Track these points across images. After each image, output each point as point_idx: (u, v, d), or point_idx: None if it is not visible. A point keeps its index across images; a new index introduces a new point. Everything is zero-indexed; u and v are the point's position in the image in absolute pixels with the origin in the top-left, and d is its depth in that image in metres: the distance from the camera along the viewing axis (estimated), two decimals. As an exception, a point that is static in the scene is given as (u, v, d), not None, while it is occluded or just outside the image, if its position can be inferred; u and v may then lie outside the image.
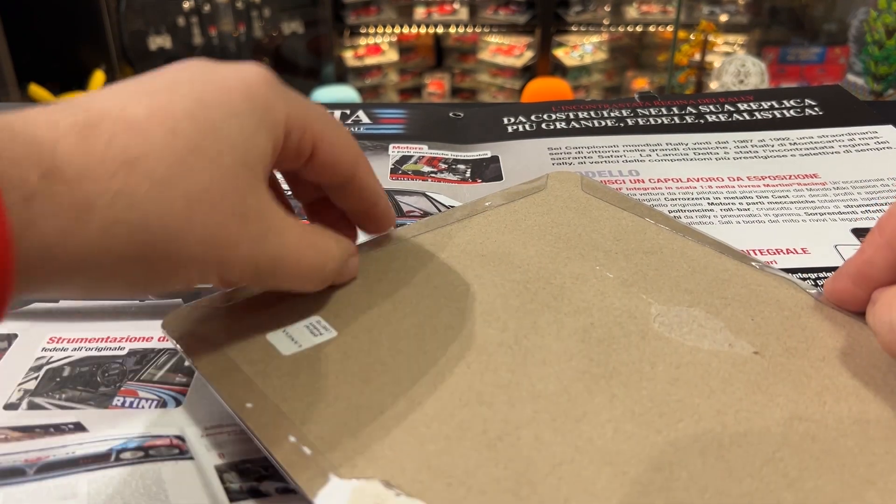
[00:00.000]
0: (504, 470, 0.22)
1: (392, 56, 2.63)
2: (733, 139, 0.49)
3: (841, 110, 0.52)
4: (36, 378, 0.30)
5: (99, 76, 2.05)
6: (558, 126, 0.52)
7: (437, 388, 0.25)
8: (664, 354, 0.26)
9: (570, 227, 0.34)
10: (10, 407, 0.29)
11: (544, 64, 2.52)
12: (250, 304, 0.29)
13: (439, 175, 0.46)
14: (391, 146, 0.50)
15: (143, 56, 2.24)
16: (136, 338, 0.33)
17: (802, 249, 0.37)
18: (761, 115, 0.52)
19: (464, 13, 2.57)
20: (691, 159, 0.47)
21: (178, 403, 0.29)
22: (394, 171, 0.47)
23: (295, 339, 0.27)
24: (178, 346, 0.28)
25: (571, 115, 0.53)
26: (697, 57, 1.89)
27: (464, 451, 0.22)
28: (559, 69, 2.54)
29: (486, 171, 0.47)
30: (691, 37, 1.89)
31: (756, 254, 0.37)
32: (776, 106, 0.54)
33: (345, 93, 2.39)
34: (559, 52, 2.53)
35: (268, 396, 0.25)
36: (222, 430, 0.27)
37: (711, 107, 0.54)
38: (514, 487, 0.21)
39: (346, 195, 0.30)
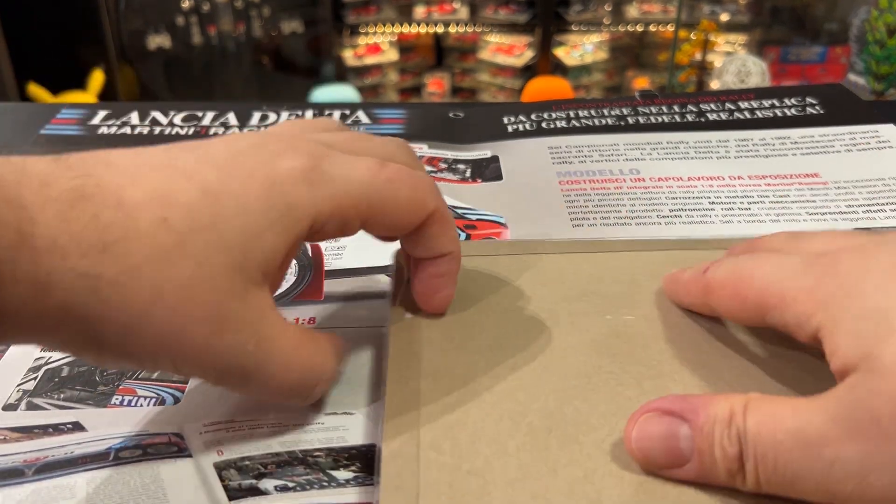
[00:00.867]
0: None
1: (392, 55, 2.63)
2: (734, 138, 0.49)
3: (842, 109, 0.52)
4: (35, 378, 0.30)
5: (98, 75, 2.05)
6: (558, 125, 0.52)
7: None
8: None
9: None
10: (8, 408, 0.29)
11: (545, 63, 2.52)
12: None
13: (439, 175, 0.46)
14: (391, 145, 0.50)
15: (142, 55, 2.24)
16: (135, 337, 0.33)
17: (804, 249, 0.37)
18: (762, 114, 0.52)
19: (464, 12, 2.56)
20: (692, 158, 0.47)
21: (177, 401, 0.29)
22: (394, 170, 0.47)
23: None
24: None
25: (571, 114, 0.53)
26: (698, 56, 1.89)
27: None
28: (560, 68, 2.54)
29: (486, 170, 0.47)
30: (692, 36, 1.89)
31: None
32: (777, 104, 0.53)
33: (344, 92, 2.39)
34: (560, 52, 2.53)
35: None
36: (221, 426, 0.27)
37: (712, 105, 0.54)
38: None
39: (412, 244, 0.28)
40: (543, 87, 2.23)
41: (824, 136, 0.49)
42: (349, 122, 0.53)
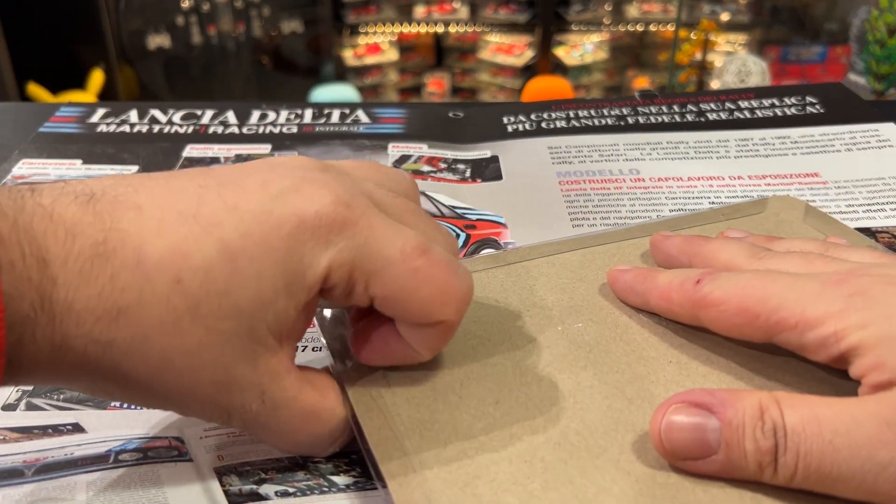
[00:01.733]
0: None
1: (392, 55, 2.63)
2: (734, 137, 0.49)
3: (842, 108, 0.52)
4: (34, 378, 0.30)
5: (98, 75, 2.05)
6: (558, 125, 0.52)
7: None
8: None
9: None
10: (8, 408, 0.29)
11: (545, 63, 2.52)
12: None
13: (439, 175, 0.46)
14: (390, 145, 0.50)
15: (141, 55, 2.24)
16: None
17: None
18: (762, 113, 0.52)
19: (464, 12, 2.56)
20: (692, 158, 0.47)
21: (177, 404, 0.29)
22: (393, 170, 0.47)
23: None
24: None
25: (571, 114, 0.53)
26: (698, 56, 1.89)
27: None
28: (560, 68, 2.54)
29: (486, 170, 0.47)
30: (692, 36, 1.89)
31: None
32: (777, 104, 0.53)
33: (344, 92, 2.39)
34: (560, 52, 2.52)
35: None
36: (221, 431, 0.27)
37: (712, 105, 0.54)
38: None
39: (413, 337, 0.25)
40: (543, 86, 2.22)
41: (824, 136, 0.49)
42: (349, 121, 0.53)
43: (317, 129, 0.52)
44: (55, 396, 0.29)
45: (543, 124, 0.52)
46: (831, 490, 0.21)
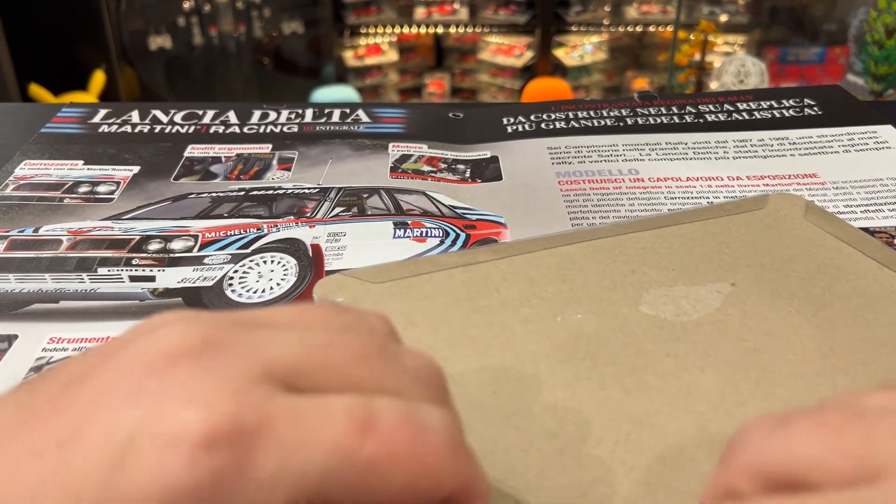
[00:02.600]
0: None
1: (392, 56, 2.63)
2: (733, 139, 0.49)
3: (840, 110, 0.52)
4: (36, 377, 0.30)
5: (99, 76, 2.05)
6: (558, 126, 0.52)
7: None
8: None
9: (772, 257, 0.32)
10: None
11: (544, 64, 2.52)
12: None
13: (439, 175, 0.46)
14: (391, 145, 0.50)
15: (143, 56, 2.24)
16: (136, 337, 0.33)
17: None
18: (760, 115, 0.52)
19: (464, 13, 2.56)
20: (691, 158, 0.47)
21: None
22: (393, 169, 0.47)
23: None
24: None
25: (571, 115, 0.54)
26: (697, 57, 1.89)
27: None
28: (559, 69, 2.54)
29: (486, 170, 0.47)
30: (691, 37, 1.89)
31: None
32: (775, 106, 0.54)
33: (345, 93, 2.39)
34: (559, 52, 2.53)
35: None
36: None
37: (711, 106, 0.54)
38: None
39: None
40: (543, 87, 2.23)
41: (822, 137, 0.49)
42: (349, 120, 0.53)
43: (317, 128, 0.52)
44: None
45: (543, 125, 0.52)
46: None
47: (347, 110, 0.55)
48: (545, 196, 0.43)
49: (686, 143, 0.49)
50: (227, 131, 0.52)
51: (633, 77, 2.56)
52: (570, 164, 0.47)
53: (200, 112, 0.55)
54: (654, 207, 0.42)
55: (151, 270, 0.37)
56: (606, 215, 0.41)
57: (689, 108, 0.54)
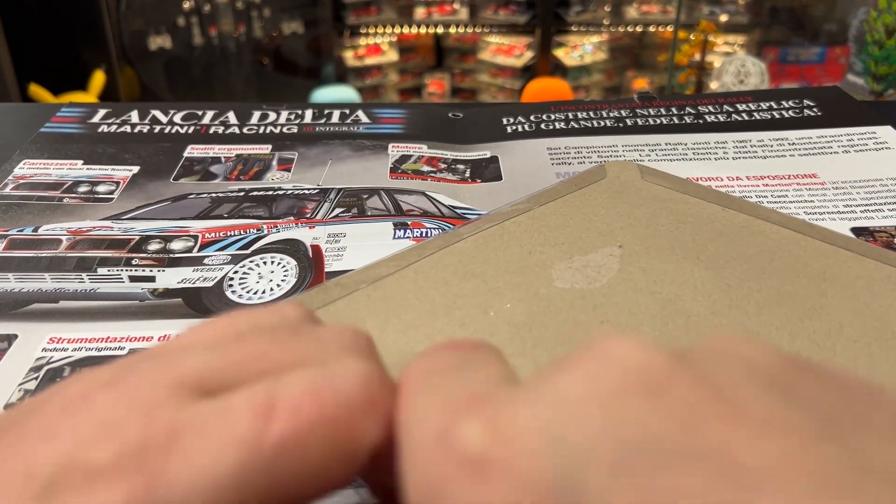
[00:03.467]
0: None
1: (392, 56, 2.63)
2: (732, 139, 0.49)
3: (839, 111, 0.52)
4: (36, 378, 0.30)
5: (99, 76, 2.05)
6: (557, 126, 0.52)
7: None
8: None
9: (635, 217, 0.34)
10: (9, 407, 0.29)
11: (544, 64, 2.52)
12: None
13: (439, 175, 0.46)
14: (391, 145, 0.50)
15: (143, 56, 2.24)
16: (136, 338, 0.33)
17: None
18: (760, 116, 0.53)
19: (464, 13, 2.57)
20: (690, 159, 0.47)
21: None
22: (393, 170, 0.47)
23: None
24: None
25: (570, 116, 0.54)
26: (697, 57, 1.89)
27: None
28: (559, 69, 2.54)
29: (486, 171, 0.47)
30: (691, 37, 1.89)
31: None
32: (775, 106, 0.54)
33: (345, 93, 2.39)
34: (559, 52, 2.53)
35: None
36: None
37: (710, 107, 0.54)
38: None
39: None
40: (543, 87, 2.23)
41: (822, 138, 0.49)
42: (349, 121, 0.53)
43: (317, 129, 0.52)
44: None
45: (543, 125, 0.52)
46: None
47: (347, 111, 0.55)
48: (545, 196, 0.43)
49: (686, 144, 0.49)
50: (227, 132, 0.52)
51: (633, 77, 2.56)
52: (569, 164, 0.47)
53: (200, 112, 0.55)
54: (653, 208, 0.42)
55: (151, 271, 0.37)
56: (606, 216, 0.41)
57: (688, 109, 0.54)
